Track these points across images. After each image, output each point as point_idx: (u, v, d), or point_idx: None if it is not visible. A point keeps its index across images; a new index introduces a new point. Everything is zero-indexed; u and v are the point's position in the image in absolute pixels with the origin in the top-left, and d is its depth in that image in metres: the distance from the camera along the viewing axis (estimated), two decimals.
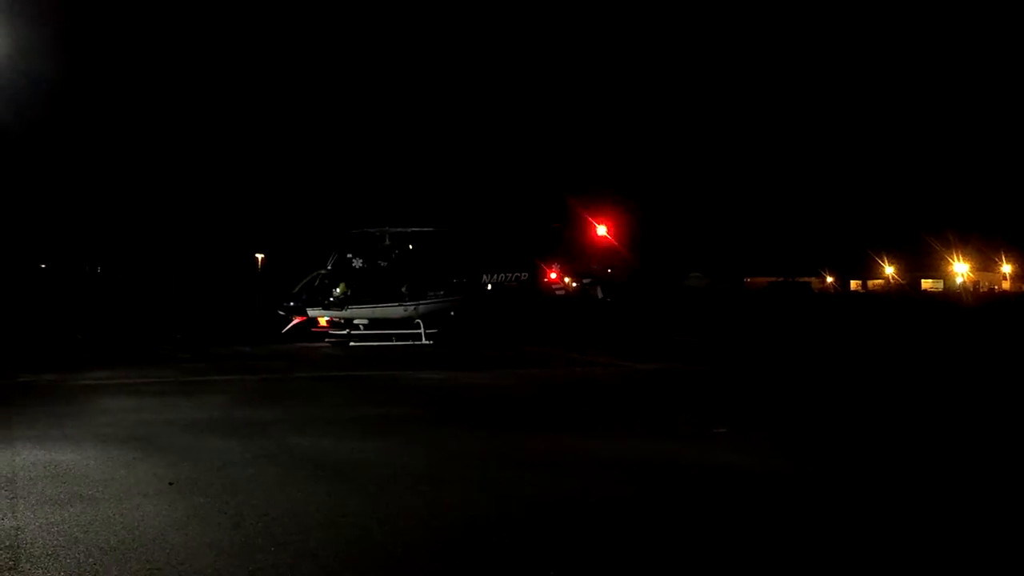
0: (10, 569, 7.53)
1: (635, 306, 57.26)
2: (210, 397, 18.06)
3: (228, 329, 40.28)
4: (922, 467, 11.57)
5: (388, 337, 32.38)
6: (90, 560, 7.71)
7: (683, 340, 34.29)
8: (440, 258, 35.35)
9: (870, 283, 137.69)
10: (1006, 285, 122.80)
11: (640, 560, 7.85)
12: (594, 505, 9.56)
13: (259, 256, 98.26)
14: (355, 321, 32.50)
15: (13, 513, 9.17)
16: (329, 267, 32.55)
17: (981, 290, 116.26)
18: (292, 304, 32.41)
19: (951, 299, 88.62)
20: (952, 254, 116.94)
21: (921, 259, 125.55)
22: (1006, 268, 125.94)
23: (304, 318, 32.67)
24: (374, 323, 32.70)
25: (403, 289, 32.70)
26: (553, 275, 36.06)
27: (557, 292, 37.17)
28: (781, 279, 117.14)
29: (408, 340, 32.26)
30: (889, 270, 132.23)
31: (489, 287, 35.46)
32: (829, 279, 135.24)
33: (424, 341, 32.11)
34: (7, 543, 8.18)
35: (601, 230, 36.26)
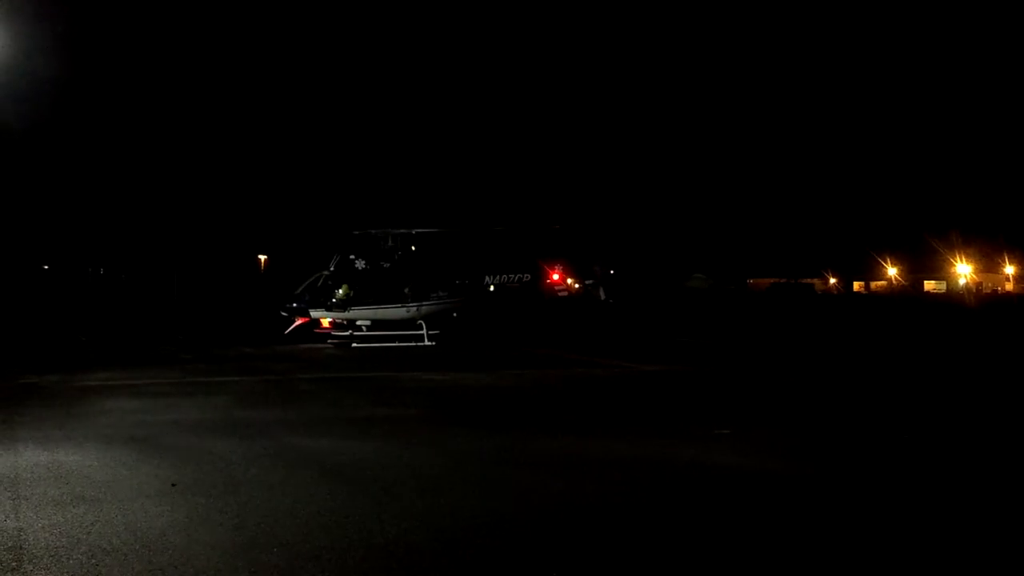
0: (12, 570, 7.54)
1: (638, 307, 57.25)
2: (213, 398, 18.07)
3: (231, 330, 40.31)
4: (924, 469, 11.56)
5: (391, 338, 32.38)
6: (92, 561, 7.72)
7: (686, 341, 34.28)
8: (442, 259, 35.38)
9: (873, 284, 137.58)
10: (1009, 287, 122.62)
11: (643, 561, 7.85)
12: (597, 506, 9.56)
13: (262, 257, 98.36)
14: (358, 322, 32.51)
15: (16, 514, 9.19)
16: (332, 268, 32.57)
17: (984, 291, 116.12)
18: (295, 305, 32.44)
19: (954, 300, 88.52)
20: (955, 255, 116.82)
21: (924, 260, 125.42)
22: (1009, 269, 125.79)
23: (307, 319, 32.70)
24: (376, 324, 32.71)
25: (405, 290, 32.72)
26: (555, 276, 36.06)
27: (559, 293, 37.15)
28: (784, 280, 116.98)
29: (410, 341, 32.27)
30: (892, 271, 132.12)
31: (491, 288, 35.46)
32: (832, 280, 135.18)
33: (426, 342, 32.13)
34: (10, 544, 8.20)
35: (604, 231, 36.22)
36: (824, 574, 7.66)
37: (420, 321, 32.78)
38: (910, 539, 8.48)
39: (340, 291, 32.08)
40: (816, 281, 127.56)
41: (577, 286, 39.00)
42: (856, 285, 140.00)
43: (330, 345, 32.29)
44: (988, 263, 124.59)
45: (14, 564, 7.66)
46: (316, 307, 32.16)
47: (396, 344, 31.96)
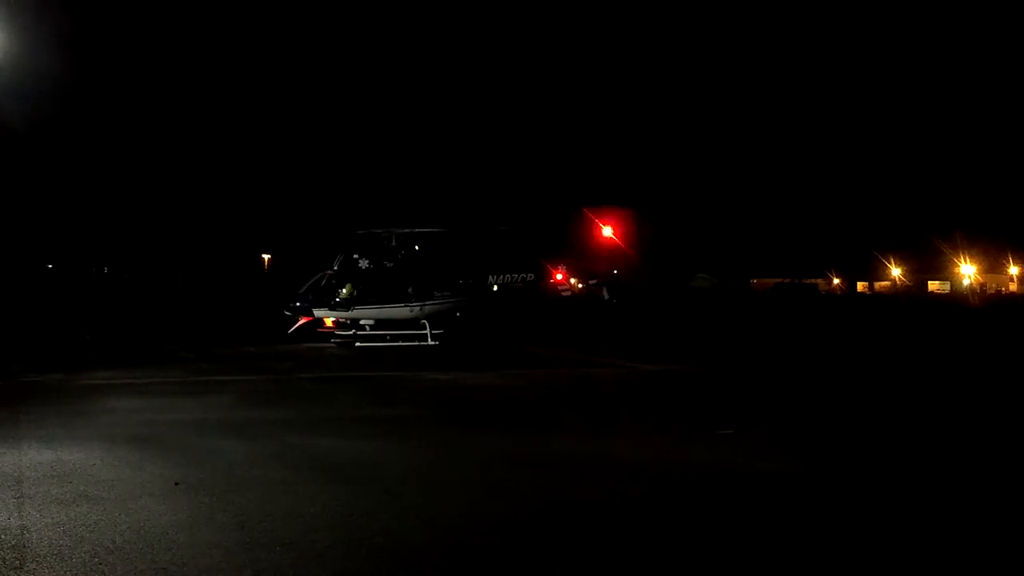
0: (16, 568, 7.55)
1: (641, 307, 57.21)
2: (216, 397, 18.09)
3: (234, 329, 40.34)
4: (927, 469, 11.55)
5: (394, 338, 32.38)
6: (96, 560, 7.74)
7: (689, 341, 34.26)
8: (446, 259, 35.37)
9: (877, 285, 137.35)
10: (1013, 287, 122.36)
11: (645, 561, 7.85)
12: (599, 505, 9.57)
13: (266, 257, 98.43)
14: (361, 322, 32.52)
15: (20, 512, 9.21)
16: (335, 268, 32.58)
17: (988, 292, 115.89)
18: (298, 304, 32.44)
19: (958, 301, 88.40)
20: (959, 256, 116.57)
21: (928, 261, 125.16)
22: (1013, 270, 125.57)
23: (310, 318, 32.69)
24: (380, 324, 32.72)
25: (409, 290, 32.72)
26: (559, 276, 36.05)
27: (563, 293, 37.13)
28: (788, 280, 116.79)
29: (414, 341, 32.28)
30: (896, 272, 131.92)
31: (495, 288, 35.45)
32: (836, 280, 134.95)
33: (430, 342, 32.13)
34: (14, 542, 8.21)
35: (607, 231, 36.26)
36: (827, 573, 7.66)
37: (423, 321, 32.77)
38: (913, 538, 8.48)
39: (344, 290, 32.09)
40: (820, 281, 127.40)
41: (580, 286, 38.98)
42: (860, 285, 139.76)
43: (333, 344, 32.31)
44: (992, 263, 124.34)
45: (18, 563, 7.68)
46: (320, 306, 32.16)
47: (399, 344, 31.97)
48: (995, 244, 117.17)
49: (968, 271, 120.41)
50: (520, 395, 19.14)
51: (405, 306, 32.67)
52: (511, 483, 10.65)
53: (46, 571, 7.50)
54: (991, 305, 77.53)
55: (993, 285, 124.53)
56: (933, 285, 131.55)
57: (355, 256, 32.64)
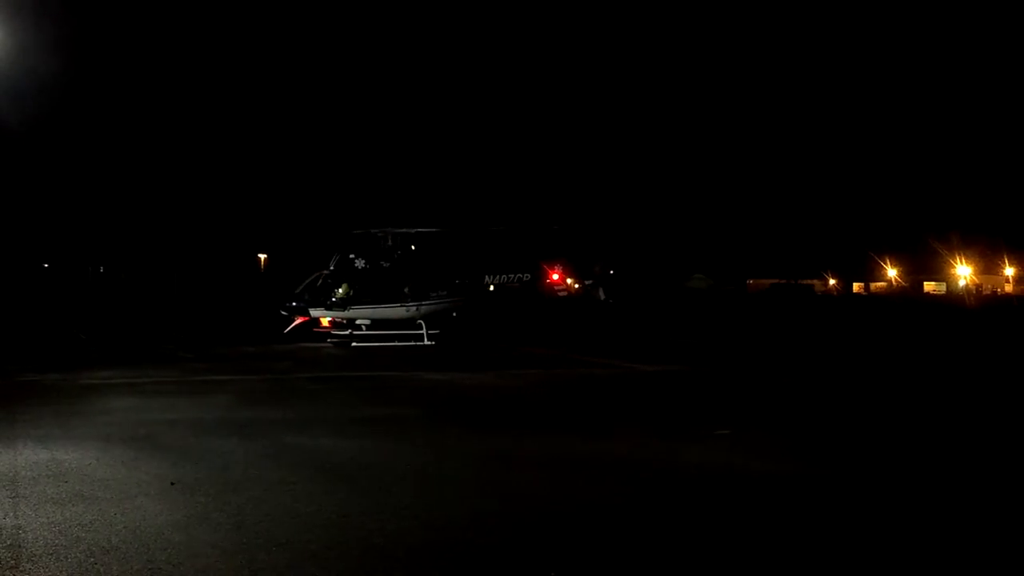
0: (12, 568, 7.54)
1: (637, 308, 57.23)
2: (212, 397, 18.07)
3: (230, 329, 40.30)
4: (923, 469, 11.57)
5: (390, 338, 32.36)
6: (91, 559, 7.73)
7: (686, 342, 34.27)
8: (442, 259, 35.36)
9: (873, 285, 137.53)
10: (1009, 288, 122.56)
11: (640, 561, 7.86)
12: (596, 506, 9.57)
13: (262, 256, 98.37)
14: (357, 321, 32.49)
15: (15, 512, 9.19)
16: (331, 267, 32.54)
17: (984, 293, 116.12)
18: (294, 304, 32.41)
19: (954, 302, 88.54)
20: (955, 257, 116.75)
21: (924, 262, 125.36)
22: (1009, 271, 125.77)
23: (306, 318, 32.66)
24: (376, 324, 32.69)
25: (405, 290, 32.70)
26: (555, 276, 36.04)
27: (559, 293, 37.12)
28: (784, 281, 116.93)
29: (410, 341, 32.25)
30: (892, 272, 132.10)
31: (491, 288, 35.44)
32: (832, 281, 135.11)
33: (426, 342, 32.11)
34: (9, 542, 8.20)
35: (603, 231, 36.25)
36: (824, 573, 7.67)
37: (420, 321, 32.76)
38: (909, 538, 8.49)
39: (340, 290, 32.06)
40: (816, 282, 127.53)
41: (577, 286, 38.97)
42: (856, 286, 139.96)
43: (330, 344, 32.27)
44: (988, 264, 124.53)
45: (13, 562, 7.67)
46: (316, 306, 32.12)
47: (396, 344, 31.95)
48: (991, 245, 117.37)
49: (964, 272, 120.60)
50: (517, 395, 19.13)
51: (401, 306, 32.65)
52: (508, 483, 10.65)
53: (41, 571, 7.49)
54: (987, 306, 77.65)
55: (989, 286, 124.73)
56: (929, 286, 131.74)
57: (351, 256, 32.61)
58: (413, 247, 34.85)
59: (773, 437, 13.74)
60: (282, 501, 9.67)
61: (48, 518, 8.97)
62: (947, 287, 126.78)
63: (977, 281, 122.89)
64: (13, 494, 9.93)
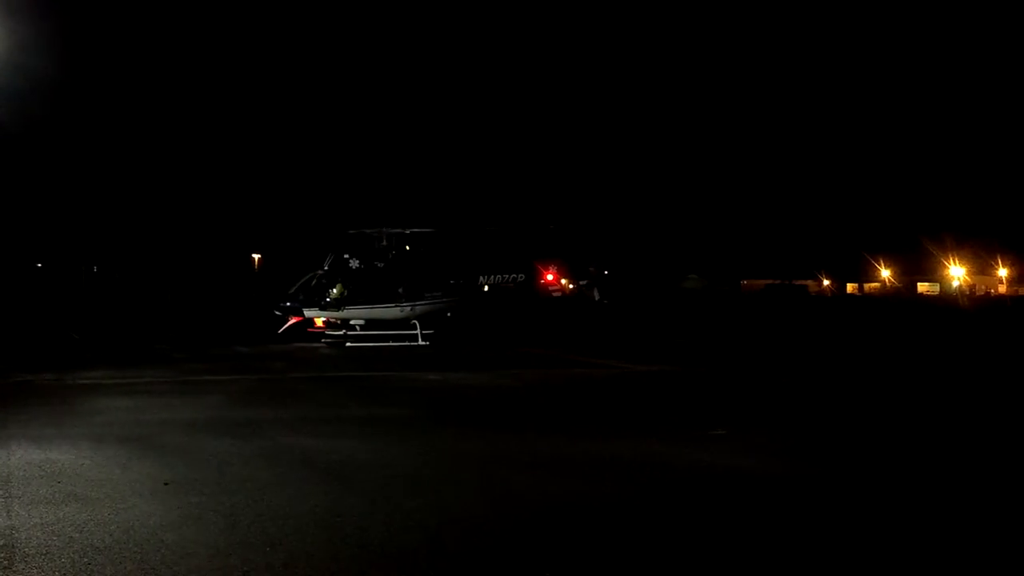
0: (5, 568, 7.51)
1: (632, 308, 57.28)
2: (206, 397, 18.04)
3: (224, 329, 40.25)
4: (917, 468, 11.58)
5: (384, 338, 32.35)
6: (85, 560, 7.70)
7: (680, 342, 34.30)
8: (437, 259, 35.34)
9: (866, 286, 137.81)
10: (1002, 289, 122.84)
11: (636, 561, 7.85)
12: (590, 506, 9.56)
13: (256, 256, 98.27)
14: (351, 322, 32.48)
15: (8, 512, 9.16)
16: (326, 267, 32.52)
17: (977, 294, 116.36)
18: (289, 304, 32.39)
19: (947, 302, 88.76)
20: (948, 258, 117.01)
21: (917, 262, 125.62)
22: (1002, 272, 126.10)
23: (300, 318, 32.64)
24: (370, 324, 32.68)
25: (400, 290, 32.69)
26: (550, 276, 36.05)
27: (554, 293, 37.13)
28: (778, 282, 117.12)
29: (404, 341, 32.25)
30: (885, 273, 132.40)
31: (486, 288, 35.44)
32: (826, 282, 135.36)
33: (420, 342, 32.11)
34: (2, 542, 8.17)
35: (598, 231, 36.28)
36: (818, 573, 7.67)
37: (414, 321, 32.75)
38: (904, 537, 8.49)
39: (334, 290, 32.05)
40: (810, 282, 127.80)
41: (572, 286, 38.99)
42: (850, 287, 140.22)
43: (324, 344, 32.25)
44: (982, 265, 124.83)
45: (6, 563, 7.64)
46: (310, 306, 32.11)
47: (390, 344, 31.94)
48: (985, 246, 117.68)
49: (957, 273, 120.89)
50: (511, 395, 19.13)
51: (396, 306, 32.64)
52: (503, 483, 10.64)
53: (34, 571, 7.46)
54: (980, 307, 77.82)
55: (983, 287, 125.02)
56: (923, 287, 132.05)
57: (346, 256, 32.60)
58: (408, 247, 34.84)
59: (768, 437, 13.75)
60: (276, 501, 9.65)
61: (41, 518, 8.94)
62: (941, 288, 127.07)
63: (971, 282, 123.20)
64: (6, 494, 9.90)
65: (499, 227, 37.76)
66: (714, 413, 16.28)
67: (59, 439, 13.16)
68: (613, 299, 42.67)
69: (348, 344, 31.84)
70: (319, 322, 33.48)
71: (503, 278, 35.25)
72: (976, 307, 76.63)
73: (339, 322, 32.61)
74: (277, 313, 33.00)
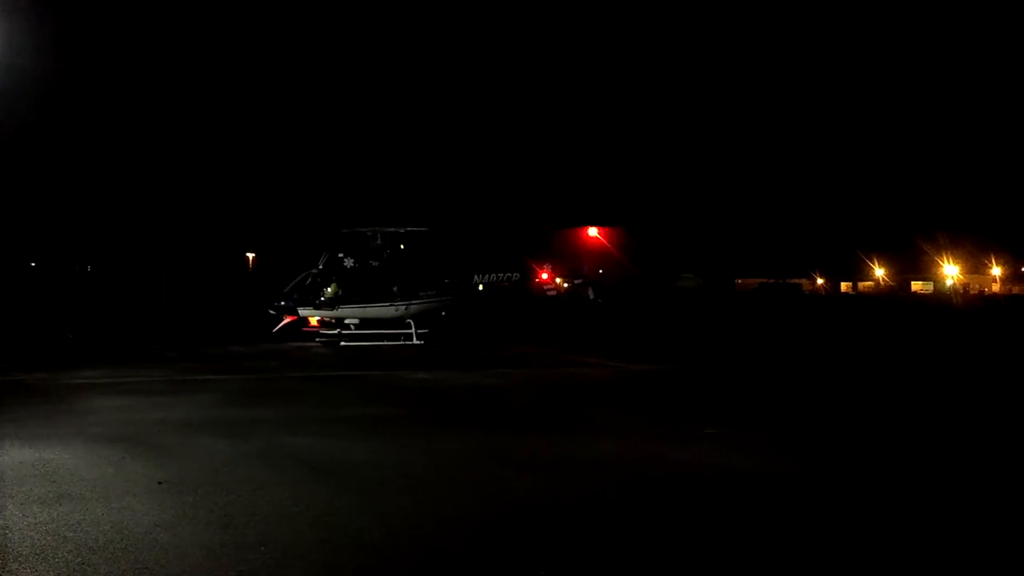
0: None
1: (626, 307, 57.30)
2: (200, 396, 18.02)
3: (219, 328, 40.20)
4: (910, 467, 11.61)
5: (379, 337, 32.34)
6: (78, 559, 7.69)
7: (675, 341, 34.34)
8: (431, 258, 35.34)
9: (860, 285, 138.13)
10: (996, 287, 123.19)
11: (630, 560, 7.86)
12: (584, 505, 9.57)
13: (250, 255, 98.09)
14: (346, 321, 32.45)
15: (2, 512, 9.14)
16: (320, 266, 32.50)
17: (971, 292, 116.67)
18: (283, 303, 32.35)
19: (941, 301, 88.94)
20: (942, 256, 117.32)
21: (911, 261, 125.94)
22: (996, 271, 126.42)
23: (295, 317, 32.61)
24: (365, 323, 32.66)
25: (394, 289, 32.68)
26: (544, 275, 36.07)
27: (548, 293, 37.16)
28: (772, 280, 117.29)
29: (399, 340, 32.24)
30: (879, 272, 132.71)
31: (480, 287, 35.46)
32: (820, 280, 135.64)
33: (415, 341, 32.10)
34: None
35: (592, 231, 36.32)
36: (812, 573, 7.69)
37: (409, 320, 32.74)
38: (897, 537, 8.52)
39: (329, 289, 32.03)
40: (804, 281, 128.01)
41: (566, 285, 39.02)
42: (844, 285, 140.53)
43: (318, 344, 32.23)
44: (975, 264, 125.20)
45: (0, 563, 7.64)
46: (304, 305, 32.08)
47: (384, 343, 31.93)
48: (978, 245, 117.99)
49: (951, 272, 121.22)
50: (506, 395, 19.13)
51: (390, 305, 32.63)
52: (497, 483, 10.65)
53: (28, 571, 7.45)
54: (974, 306, 78.01)
55: (976, 285, 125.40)
56: (916, 285, 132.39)
57: (340, 255, 32.57)
58: (402, 246, 34.81)
59: (762, 436, 13.77)
60: (270, 500, 9.65)
61: (35, 518, 8.93)
62: (934, 286, 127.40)
63: (964, 280, 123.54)
64: (0, 494, 9.88)
65: (493, 226, 37.78)
66: (708, 412, 16.30)
67: (53, 438, 13.14)
68: (607, 298, 42.70)
69: (342, 343, 31.82)
70: (313, 321, 33.45)
71: (498, 277, 35.28)
72: (970, 306, 76.85)
73: (333, 321, 32.59)
74: (271, 312, 32.96)
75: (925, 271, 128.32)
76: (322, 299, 31.94)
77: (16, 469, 11.13)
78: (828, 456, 12.33)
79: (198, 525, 8.73)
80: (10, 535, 8.37)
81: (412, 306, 32.90)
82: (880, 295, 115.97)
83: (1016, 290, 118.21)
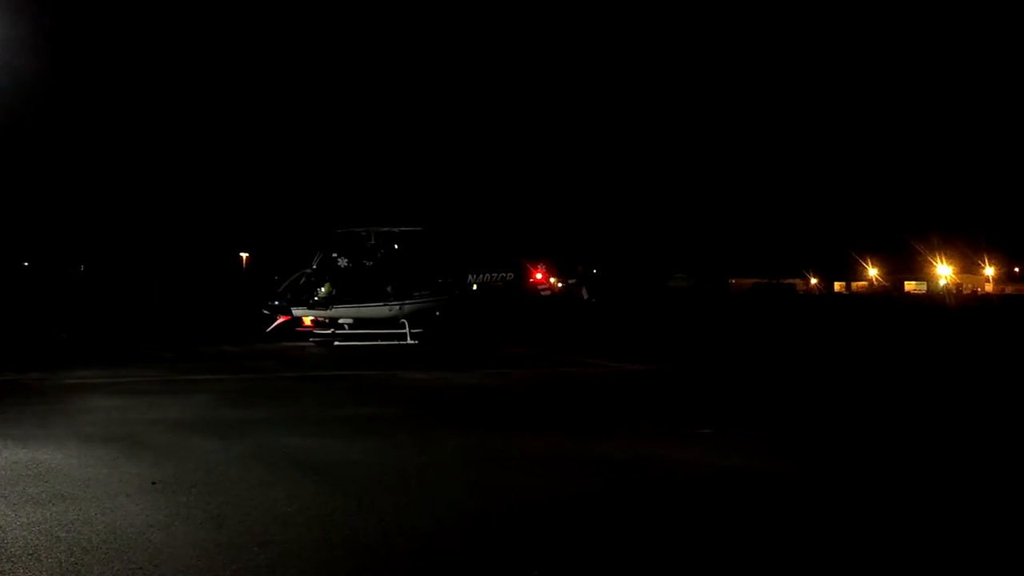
0: None
1: (620, 307, 57.36)
2: (194, 396, 17.99)
3: (212, 328, 40.14)
4: (905, 466, 11.63)
5: (373, 337, 32.30)
6: (72, 560, 7.67)
7: (668, 341, 34.36)
8: (426, 258, 35.32)
9: (854, 285, 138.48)
10: (989, 287, 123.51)
11: (624, 560, 7.87)
12: (579, 505, 9.57)
13: (244, 255, 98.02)
14: (340, 321, 32.42)
15: None
16: (314, 266, 32.45)
17: (964, 292, 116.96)
18: (277, 303, 32.30)
19: (934, 301, 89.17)
20: (935, 256, 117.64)
21: (904, 261, 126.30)
22: (989, 271, 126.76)
23: (289, 317, 32.56)
24: (359, 323, 32.63)
25: (388, 289, 32.65)
26: (539, 275, 36.08)
27: (543, 292, 37.17)
28: (766, 280, 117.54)
29: (393, 340, 32.20)
30: (873, 272, 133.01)
31: (475, 287, 35.45)
32: (813, 280, 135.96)
33: (409, 341, 32.07)
34: None
35: (587, 230, 36.31)
36: (810, 572, 7.70)
37: (403, 320, 32.71)
38: (894, 536, 8.53)
39: (322, 289, 31.99)
40: (798, 281, 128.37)
41: (560, 285, 39.04)
42: (837, 285, 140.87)
43: (312, 343, 32.18)
44: (968, 264, 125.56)
45: None
46: (298, 305, 32.03)
47: (378, 343, 31.90)
48: (972, 245, 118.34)
49: (944, 272, 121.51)
50: (500, 395, 19.13)
51: (384, 305, 32.59)
52: (492, 483, 10.64)
53: (21, 571, 7.43)
54: (967, 306, 78.18)
55: (969, 285, 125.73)
56: (910, 285, 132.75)
57: (334, 255, 32.54)
58: (396, 246, 34.78)
59: (756, 436, 13.78)
60: (264, 500, 9.63)
61: (28, 518, 8.90)
62: (928, 287, 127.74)
63: (958, 280, 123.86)
64: None
65: (488, 225, 37.79)
66: (702, 412, 16.32)
67: (46, 439, 13.10)
68: (601, 298, 42.72)
69: (336, 343, 31.79)
70: (307, 321, 33.40)
71: (492, 277, 35.26)
72: (963, 306, 77.03)
73: (327, 321, 32.55)
74: (265, 312, 32.91)
75: (918, 271, 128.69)
76: (316, 299, 31.89)
77: (9, 469, 11.09)
78: (824, 456, 12.34)
79: (192, 525, 8.72)
80: (3, 535, 8.34)
81: (406, 306, 32.87)
82: (874, 295, 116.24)
83: (1009, 290, 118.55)
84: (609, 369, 24.27)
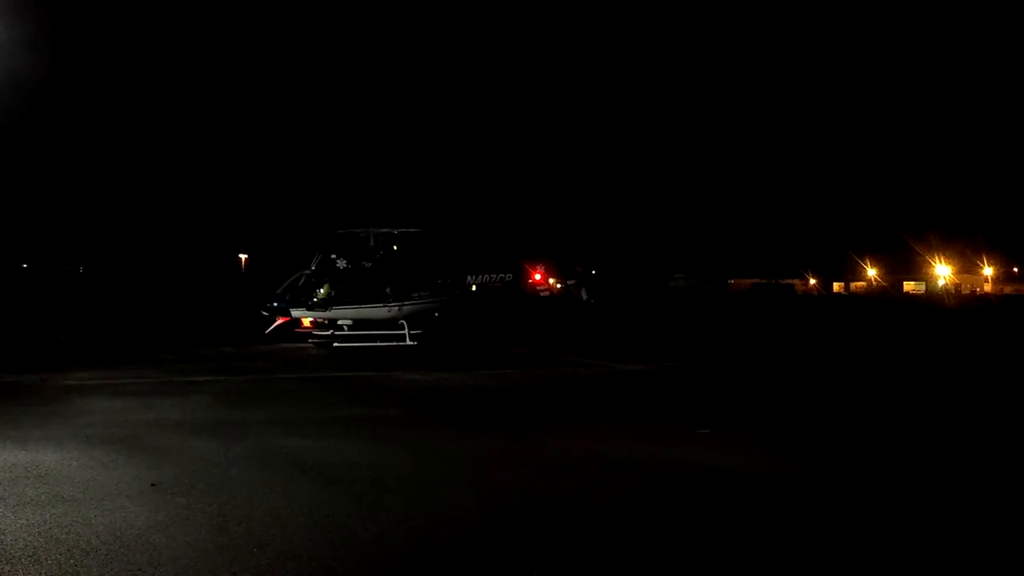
0: None
1: (619, 307, 57.34)
2: (193, 398, 17.98)
3: (212, 329, 40.11)
4: (904, 465, 11.63)
5: (372, 338, 32.29)
6: (71, 562, 7.67)
7: (668, 341, 34.36)
8: (425, 259, 35.29)
9: (853, 285, 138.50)
10: (987, 287, 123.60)
11: (624, 560, 7.87)
12: (578, 506, 9.58)
13: (243, 256, 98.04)
14: (339, 322, 32.40)
15: None
16: (313, 267, 32.43)
17: (963, 292, 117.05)
18: (276, 304, 32.28)
19: (933, 301, 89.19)
20: (934, 256, 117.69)
21: (903, 261, 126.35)
22: (987, 271, 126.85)
23: (288, 319, 32.54)
24: (358, 324, 32.61)
25: (387, 290, 32.63)
26: (538, 276, 36.05)
27: (542, 293, 37.14)
28: (765, 281, 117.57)
29: (392, 341, 32.19)
30: (871, 272, 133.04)
31: (474, 288, 35.43)
32: (812, 281, 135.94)
33: (408, 342, 32.06)
34: None
35: (586, 231, 36.32)
36: (803, 573, 7.70)
37: (402, 321, 32.70)
38: (893, 534, 8.53)
39: (322, 290, 31.96)
40: (797, 282, 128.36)
41: (559, 286, 39.02)
42: (836, 286, 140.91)
43: (311, 345, 32.16)
44: (967, 264, 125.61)
45: None
46: (297, 306, 32.01)
47: (378, 344, 31.88)
48: (970, 245, 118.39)
49: (943, 272, 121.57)
50: (499, 395, 19.13)
51: (383, 306, 32.57)
52: (491, 483, 10.64)
53: (20, 573, 7.43)
54: (965, 305, 78.21)
55: (968, 285, 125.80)
56: (908, 285, 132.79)
57: (333, 256, 32.51)
58: (395, 247, 34.77)
59: (754, 436, 13.80)
60: (264, 502, 9.63)
61: (27, 520, 8.90)
62: (926, 287, 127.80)
63: (956, 280, 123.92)
64: None
65: (487, 226, 37.79)
66: (701, 412, 16.32)
67: (45, 440, 13.10)
68: (600, 298, 42.71)
69: (335, 344, 31.77)
70: (306, 322, 33.37)
71: (491, 278, 35.24)
72: (962, 306, 77.06)
73: (327, 322, 32.53)
74: (264, 313, 32.89)
75: (917, 271, 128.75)
76: (315, 300, 31.87)
77: (9, 470, 11.09)
78: (824, 456, 12.35)
79: (192, 527, 8.72)
80: (3, 537, 8.34)
81: (405, 307, 32.86)
82: (872, 295, 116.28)
83: (1008, 290, 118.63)
84: (608, 369, 24.26)
